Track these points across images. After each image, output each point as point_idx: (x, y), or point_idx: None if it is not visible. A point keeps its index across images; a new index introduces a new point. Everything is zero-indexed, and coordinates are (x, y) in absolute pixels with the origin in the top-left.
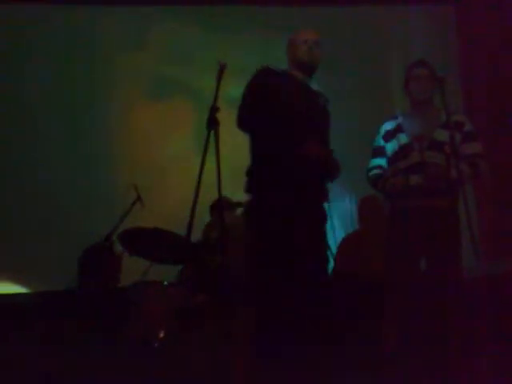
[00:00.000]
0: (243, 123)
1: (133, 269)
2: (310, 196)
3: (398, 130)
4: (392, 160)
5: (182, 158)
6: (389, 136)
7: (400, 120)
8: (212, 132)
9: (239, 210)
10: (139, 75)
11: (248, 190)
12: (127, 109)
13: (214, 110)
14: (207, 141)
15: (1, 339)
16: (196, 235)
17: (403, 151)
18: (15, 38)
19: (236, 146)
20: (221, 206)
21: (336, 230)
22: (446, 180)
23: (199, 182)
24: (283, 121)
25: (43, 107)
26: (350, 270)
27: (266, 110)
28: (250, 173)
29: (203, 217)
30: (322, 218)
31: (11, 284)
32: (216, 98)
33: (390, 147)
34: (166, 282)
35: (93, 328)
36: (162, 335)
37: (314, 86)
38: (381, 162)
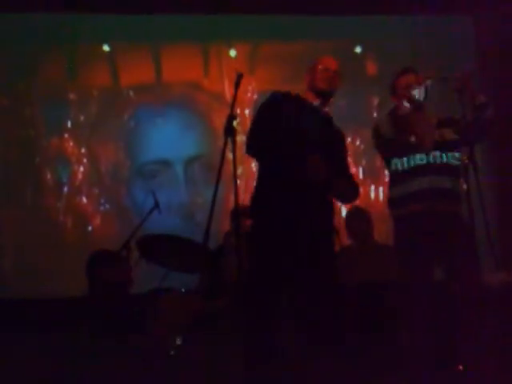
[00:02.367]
0: (250, 150)
1: (150, 276)
2: (312, 215)
3: None
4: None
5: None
6: None
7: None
8: (229, 140)
9: None
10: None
11: (251, 215)
12: (143, 115)
13: (231, 118)
14: (224, 149)
15: (14, 346)
16: (215, 242)
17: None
18: None
19: None
20: (237, 213)
21: None
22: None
23: (216, 189)
24: (288, 145)
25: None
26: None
27: (271, 137)
28: (253, 199)
29: (224, 224)
30: (326, 233)
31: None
32: (233, 106)
33: None
34: (183, 289)
35: (108, 335)
36: (178, 342)
37: (326, 112)
38: None
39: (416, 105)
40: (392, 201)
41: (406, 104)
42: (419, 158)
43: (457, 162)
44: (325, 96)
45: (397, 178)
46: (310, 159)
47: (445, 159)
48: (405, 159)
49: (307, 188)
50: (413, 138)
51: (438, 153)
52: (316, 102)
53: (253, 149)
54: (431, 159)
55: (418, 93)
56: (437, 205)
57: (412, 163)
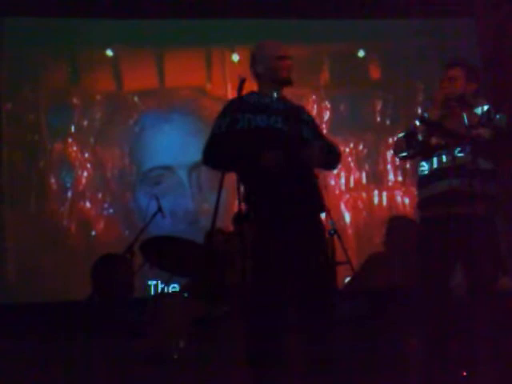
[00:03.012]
0: (207, 162)
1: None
2: (302, 209)
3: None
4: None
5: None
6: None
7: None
8: None
9: None
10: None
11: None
12: (147, 120)
13: None
14: None
15: (17, 349)
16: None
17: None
18: None
19: None
20: (240, 217)
21: None
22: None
23: (219, 193)
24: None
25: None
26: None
27: (231, 147)
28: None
29: (227, 228)
30: (316, 228)
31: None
32: None
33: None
34: (186, 294)
35: (111, 339)
36: (182, 346)
37: (286, 98)
38: None
39: (428, 125)
40: (418, 203)
41: (418, 123)
42: (444, 161)
43: (485, 164)
44: (287, 84)
45: (423, 181)
46: (263, 156)
47: (471, 160)
48: (431, 161)
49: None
50: (440, 140)
51: (465, 154)
52: (276, 93)
53: (212, 161)
54: (457, 161)
55: (429, 114)
56: (459, 208)
57: (437, 165)
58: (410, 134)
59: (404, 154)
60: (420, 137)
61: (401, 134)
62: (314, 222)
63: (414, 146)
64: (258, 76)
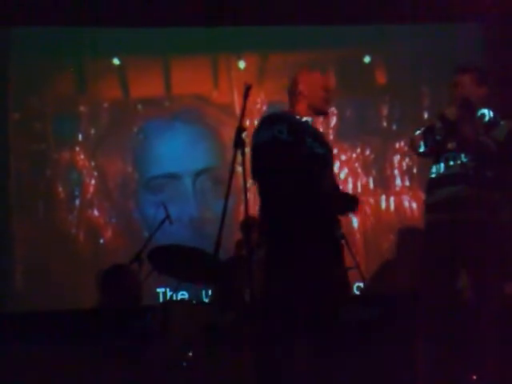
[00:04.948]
0: (263, 175)
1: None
2: (323, 229)
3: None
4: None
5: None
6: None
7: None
8: (238, 152)
9: None
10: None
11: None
12: (153, 128)
13: (240, 130)
14: (233, 160)
15: (26, 358)
16: (226, 254)
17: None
18: None
19: None
20: (248, 225)
21: None
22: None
23: (226, 200)
24: (299, 165)
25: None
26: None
27: (282, 161)
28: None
29: (234, 236)
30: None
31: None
32: (242, 118)
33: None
34: (194, 301)
35: (119, 347)
36: (190, 354)
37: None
38: None
39: (445, 123)
40: (425, 207)
41: (439, 124)
42: (451, 166)
43: (489, 171)
44: (320, 115)
45: (430, 186)
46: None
47: (476, 167)
48: (438, 166)
49: (322, 206)
50: (450, 145)
51: (471, 161)
52: (311, 118)
53: (265, 175)
54: (463, 167)
55: (447, 112)
56: (464, 214)
57: (444, 171)
58: (428, 130)
59: (421, 150)
60: (438, 135)
61: (418, 131)
62: (334, 243)
63: (430, 144)
64: (298, 94)
